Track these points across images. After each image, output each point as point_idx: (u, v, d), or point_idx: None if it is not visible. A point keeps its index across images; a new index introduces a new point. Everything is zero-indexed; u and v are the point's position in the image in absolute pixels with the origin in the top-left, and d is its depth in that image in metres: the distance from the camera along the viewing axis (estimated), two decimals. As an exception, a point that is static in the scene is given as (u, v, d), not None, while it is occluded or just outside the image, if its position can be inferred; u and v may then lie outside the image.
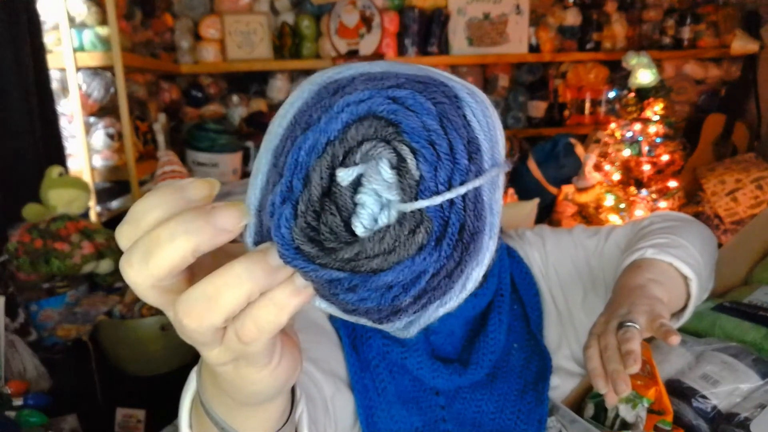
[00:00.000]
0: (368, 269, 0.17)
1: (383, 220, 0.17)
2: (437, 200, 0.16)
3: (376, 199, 0.17)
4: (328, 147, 0.17)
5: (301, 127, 0.18)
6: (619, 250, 0.57)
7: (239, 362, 0.20)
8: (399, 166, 0.17)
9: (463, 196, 0.17)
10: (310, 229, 0.17)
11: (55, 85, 1.28)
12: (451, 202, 0.17)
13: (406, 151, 0.17)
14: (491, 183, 0.18)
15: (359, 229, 0.17)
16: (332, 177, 0.17)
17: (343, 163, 0.17)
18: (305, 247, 0.17)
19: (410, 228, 0.17)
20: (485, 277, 0.53)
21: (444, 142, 0.17)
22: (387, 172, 0.17)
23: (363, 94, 0.17)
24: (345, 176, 0.17)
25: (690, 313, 0.50)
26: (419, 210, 0.17)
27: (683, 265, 0.48)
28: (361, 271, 0.17)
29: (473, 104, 0.19)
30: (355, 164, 0.17)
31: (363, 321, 0.19)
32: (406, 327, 0.19)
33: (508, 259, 0.57)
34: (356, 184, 0.17)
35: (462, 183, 0.17)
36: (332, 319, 0.52)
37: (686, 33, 2.21)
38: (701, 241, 0.54)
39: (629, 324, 0.40)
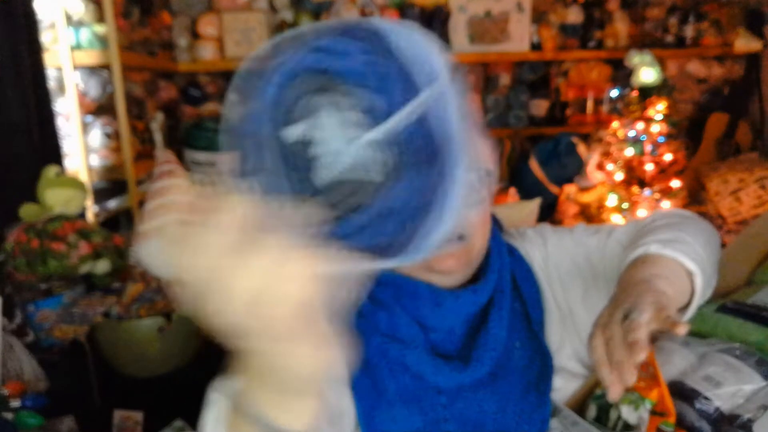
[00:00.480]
0: (354, 207, 0.17)
1: (347, 160, 0.17)
2: (389, 125, 0.16)
3: (336, 145, 0.17)
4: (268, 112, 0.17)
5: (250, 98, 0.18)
6: (621, 247, 0.57)
7: (277, 342, 0.21)
8: (343, 106, 0.17)
9: (417, 117, 0.17)
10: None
11: (52, 83, 1.27)
12: (408, 125, 0.17)
13: (345, 91, 0.17)
14: (440, 97, 0.17)
15: (323, 176, 0.17)
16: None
17: (288, 122, 0.17)
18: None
19: (375, 158, 0.17)
20: (484, 272, 0.53)
21: (376, 74, 0.17)
22: (332, 118, 0.16)
23: (287, 55, 0.17)
24: (290, 134, 0.17)
25: (694, 309, 0.50)
26: (380, 139, 0.17)
27: (687, 260, 0.48)
28: (350, 209, 0.17)
29: (400, 32, 0.18)
30: (297, 121, 0.17)
31: (386, 263, 0.19)
32: (416, 249, 0.19)
33: (508, 257, 0.57)
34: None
35: (404, 105, 0.17)
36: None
37: (689, 31, 2.20)
38: (705, 238, 0.53)
39: (635, 314, 0.39)
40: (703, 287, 0.49)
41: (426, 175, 0.18)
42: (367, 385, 0.48)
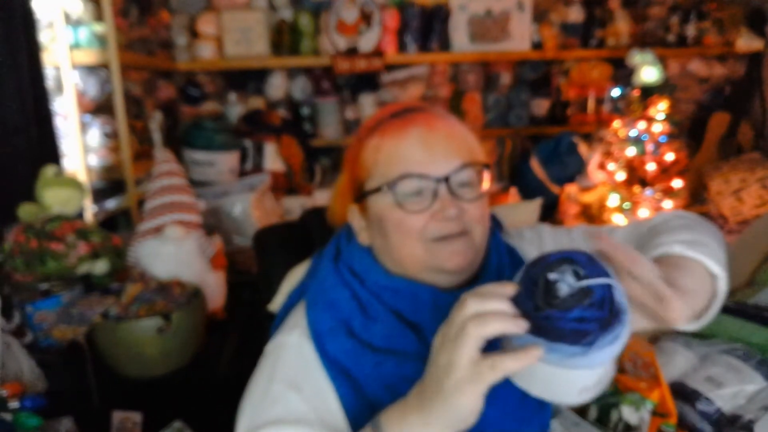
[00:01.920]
0: (564, 309, 0.36)
1: (569, 291, 0.37)
2: (588, 282, 0.36)
3: (569, 285, 0.37)
4: (547, 268, 0.38)
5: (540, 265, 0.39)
6: None
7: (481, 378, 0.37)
8: (578, 275, 0.38)
9: (604, 290, 0.37)
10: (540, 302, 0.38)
11: (50, 82, 1.26)
12: (604, 290, 0.37)
13: (577, 269, 0.38)
14: (620, 291, 0.38)
15: (562, 292, 0.37)
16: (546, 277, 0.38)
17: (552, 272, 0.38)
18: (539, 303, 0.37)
19: (582, 293, 0.37)
20: (483, 271, 0.53)
21: (593, 268, 0.38)
22: (570, 275, 0.37)
23: (558, 254, 0.39)
24: (552, 276, 0.37)
25: (713, 314, 0.48)
26: (586, 286, 0.37)
27: (712, 263, 0.47)
28: (560, 309, 0.36)
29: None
30: (556, 273, 0.38)
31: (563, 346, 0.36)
32: (588, 346, 0.36)
33: (508, 257, 0.57)
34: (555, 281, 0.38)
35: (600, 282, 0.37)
36: (322, 355, 0.51)
37: (691, 30, 2.19)
38: (717, 238, 0.53)
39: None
40: (724, 291, 0.48)
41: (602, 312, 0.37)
42: (364, 406, 0.48)
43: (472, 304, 0.37)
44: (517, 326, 0.36)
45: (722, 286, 0.47)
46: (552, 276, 0.37)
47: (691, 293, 0.43)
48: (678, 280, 0.42)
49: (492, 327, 0.36)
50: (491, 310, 0.37)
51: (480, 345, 0.37)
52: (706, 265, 0.47)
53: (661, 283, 0.40)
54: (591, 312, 0.35)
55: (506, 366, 0.36)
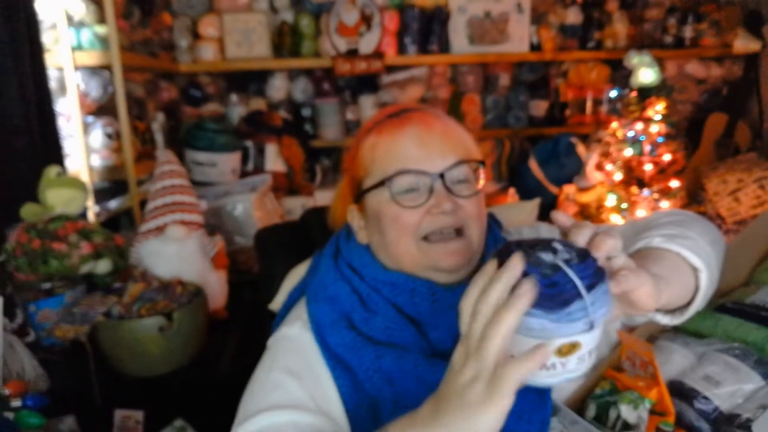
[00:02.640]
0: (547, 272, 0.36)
1: (551, 262, 0.36)
2: (564, 267, 0.35)
3: (557, 258, 0.36)
4: (560, 241, 0.38)
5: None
6: None
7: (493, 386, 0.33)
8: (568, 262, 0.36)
9: (569, 286, 0.35)
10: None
11: (53, 84, 1.27)
12: (569, 286, 0.35)
13: (574, 259, 0.36)
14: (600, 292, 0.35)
15: (543, 255, 0.36)
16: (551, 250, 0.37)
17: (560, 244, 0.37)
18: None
19: (549, 267, 0.35)
20: (481, 265, 0.54)
21: (588, 273, 0.35)
22: (566, 255, 0.36)
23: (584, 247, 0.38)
24: (555, 244, 0.37)
25: (698, 306, 0.48)
26: (559, 267, 0.35)
27: (692, 255, 0.47)
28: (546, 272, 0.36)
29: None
30: (561, 246, 0.37)
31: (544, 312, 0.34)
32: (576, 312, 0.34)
33: None
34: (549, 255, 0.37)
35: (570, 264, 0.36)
36: (323, 347, 0.51)
37: (688, 32, 2.21)
38: (711, 236, 0.53)
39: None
40: (708, 285, 0.48)
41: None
42: (363, 401, 0.49)
43: (483, 289, 0.34)
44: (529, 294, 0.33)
45: (704, 279, 0.47)
46: (555, 244, 0.35)
47: (662, 278, 0.41)
48: (649, 267, 0.41)
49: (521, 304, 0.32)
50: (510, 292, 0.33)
51: (510, 329, 0.32)
52: (685, 256, 0.47)
53: (627, 260, 0.37)
54: (538, 279, 0.33)
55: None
